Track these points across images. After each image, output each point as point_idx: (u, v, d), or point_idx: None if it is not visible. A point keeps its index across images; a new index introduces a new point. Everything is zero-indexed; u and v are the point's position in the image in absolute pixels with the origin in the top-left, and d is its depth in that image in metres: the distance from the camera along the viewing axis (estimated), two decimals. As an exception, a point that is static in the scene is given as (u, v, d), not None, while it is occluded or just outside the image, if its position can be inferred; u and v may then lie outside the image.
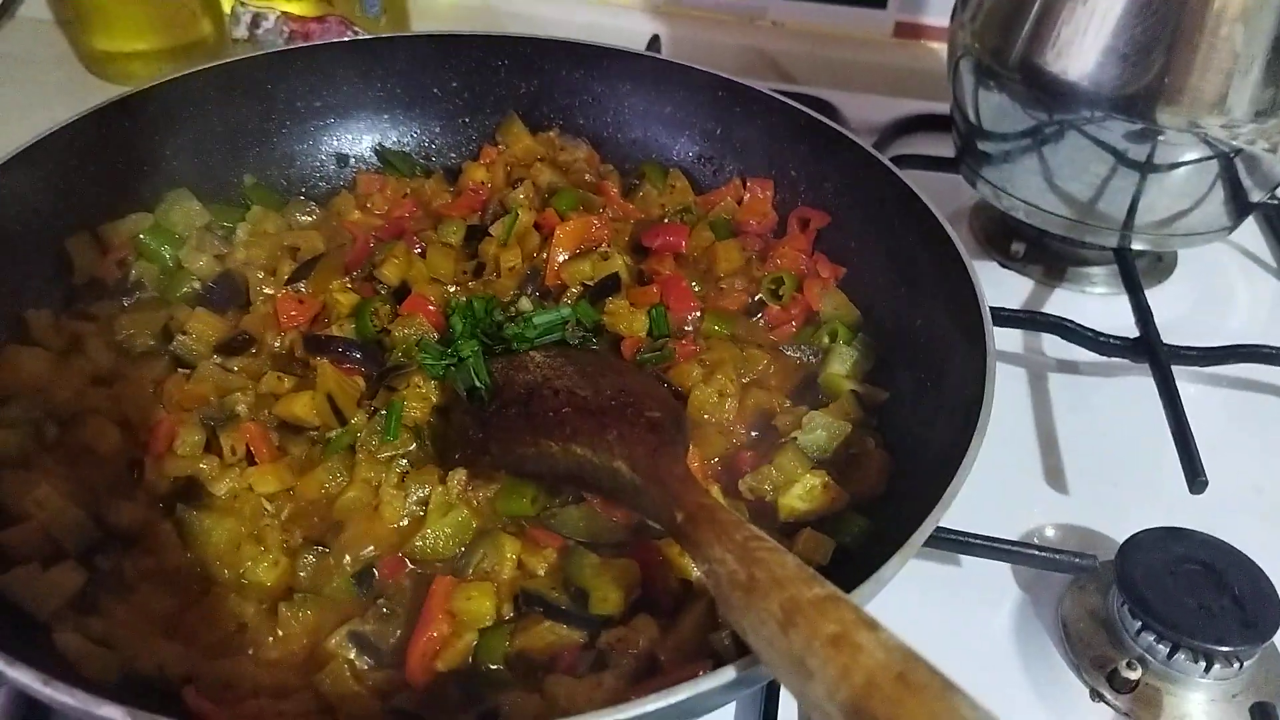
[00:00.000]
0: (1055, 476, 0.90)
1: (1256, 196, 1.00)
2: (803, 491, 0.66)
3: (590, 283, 0.83)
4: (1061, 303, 1.11)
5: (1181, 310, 1.10)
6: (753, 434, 0.75)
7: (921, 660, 0.41)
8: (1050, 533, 0.84)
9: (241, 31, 1.40)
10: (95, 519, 0.64)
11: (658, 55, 0.93)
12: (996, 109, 1.00)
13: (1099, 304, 1.10)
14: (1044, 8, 0.93)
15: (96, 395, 0.72)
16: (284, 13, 1.34)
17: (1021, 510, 0.86)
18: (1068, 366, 1.02)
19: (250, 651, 0.58)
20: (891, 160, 1.18)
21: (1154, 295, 1.12)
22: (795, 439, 0.70)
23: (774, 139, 0.91)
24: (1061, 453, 0.92)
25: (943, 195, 1.21)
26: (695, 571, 0.61)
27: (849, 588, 0.49)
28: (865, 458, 0.70)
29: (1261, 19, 0.86)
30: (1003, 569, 0.80)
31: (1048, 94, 0.95)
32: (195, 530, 0.63)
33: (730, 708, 0.68)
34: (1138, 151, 0.94)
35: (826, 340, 0.80)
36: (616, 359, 0.78)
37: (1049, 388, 0.99)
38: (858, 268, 0.85)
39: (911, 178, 1.19)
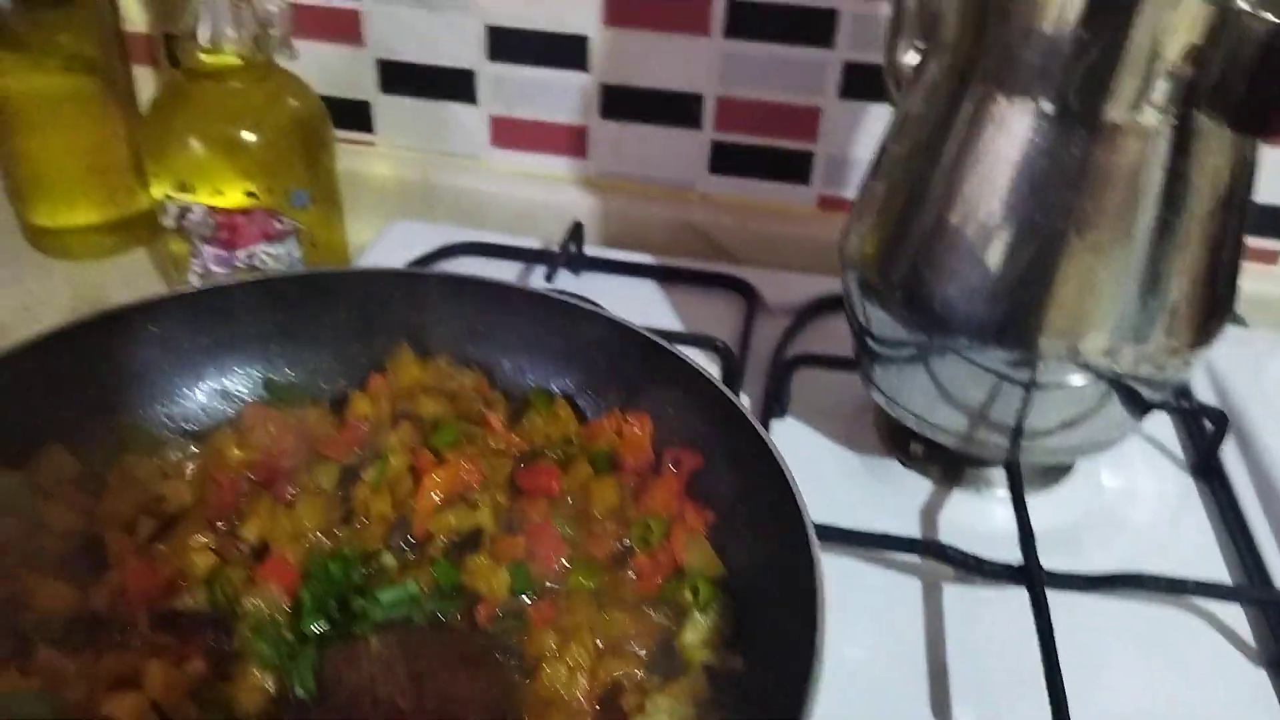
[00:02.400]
0: (941, 706, 0.89)
1: (1157, 399, 1.00)
2: (629, 787, 0.64)
3: (456, 537, 0.83)
4: (960, 506, 1.10)
5: (1076, 513, 1.10)
6: (600, 711, 0.73)
7: None
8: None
9: (170, 221, 1.43)
10: None
11: (539, 290, 0.95)
12: (882, 322, 1.01)
13: (998, 508, 1.09)
14: (923, 234, 0.95)
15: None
16: (210, 206, 1.38)
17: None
18: (964, 577, 1.01)
19: None
20: (792, 360, 1.21)
21: (1049, 497, 1.12)
22: (635, 726, 0.69)
23: (651, 377, 0.91)
24: (950, 676, 0.91)
25: (852, 390, 1.22)
26: None
27: None
28: (711, 740, 0.68)
29: (1118, 254, 0.87)
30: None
31: (926, 318, 0.96)
32: None
33: None
34: (1021, 375, 0.94)
35: (689, 597, 0.79)
36: (460, 644, 0.76)
37: (943, 601, 0.98)
38: (726, 516, 0.84)
39: (817, 376, 1.21)
